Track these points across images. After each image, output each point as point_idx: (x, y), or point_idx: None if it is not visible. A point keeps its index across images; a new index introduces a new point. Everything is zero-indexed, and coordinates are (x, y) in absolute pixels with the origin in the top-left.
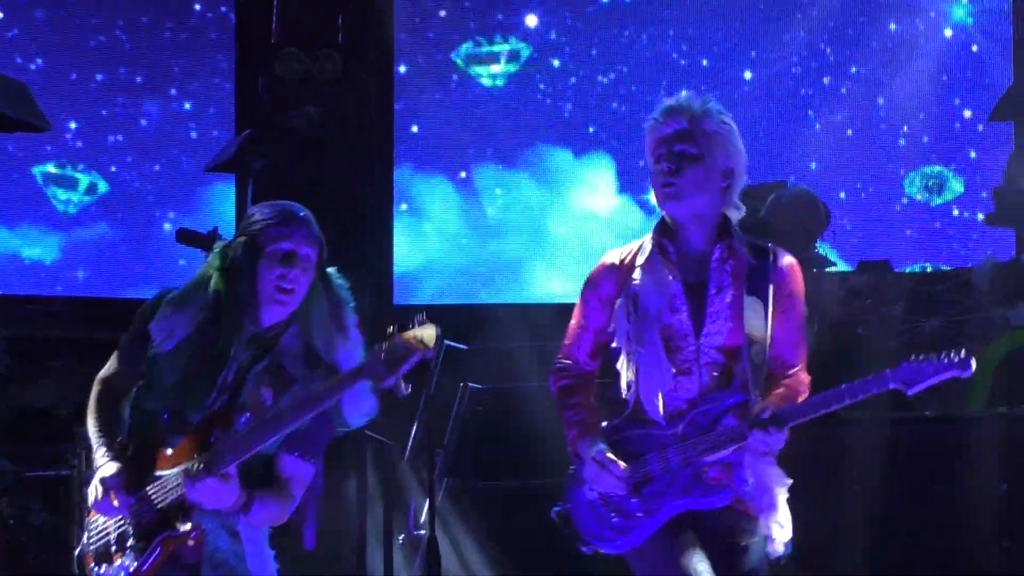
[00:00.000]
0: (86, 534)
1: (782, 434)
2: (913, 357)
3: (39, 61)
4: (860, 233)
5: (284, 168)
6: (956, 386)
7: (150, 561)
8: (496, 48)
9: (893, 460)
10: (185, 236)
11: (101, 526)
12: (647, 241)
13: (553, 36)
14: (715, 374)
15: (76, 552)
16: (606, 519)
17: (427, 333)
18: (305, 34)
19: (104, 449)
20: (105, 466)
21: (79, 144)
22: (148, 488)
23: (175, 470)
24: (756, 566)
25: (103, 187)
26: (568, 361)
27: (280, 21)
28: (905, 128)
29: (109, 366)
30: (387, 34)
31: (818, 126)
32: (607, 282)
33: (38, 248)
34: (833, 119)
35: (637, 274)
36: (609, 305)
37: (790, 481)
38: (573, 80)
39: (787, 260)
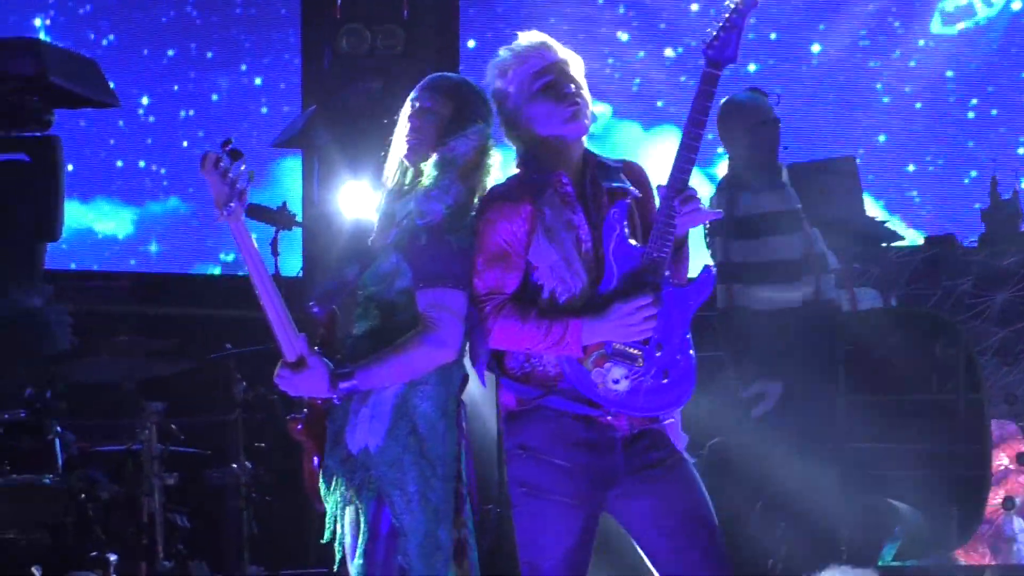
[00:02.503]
0: None
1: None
2: None
3: (111, 37)
4: (928, 207)
5: (350, 144)
6: None
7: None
8: None
9: None
10: (255, 211)
11: None
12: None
13: (621, 11)
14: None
15: None
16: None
17: None
18: (369, 9)
19: None
20: None
21: (151, 119)
22: None
23: None
24: None
25: None
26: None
27: None
28: (974, 101)
29: None
30: (452, 8)
31: (887, 99)
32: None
33: (112, 222)
34: (902, 92)
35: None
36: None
37: None
38: (641, 54)
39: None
